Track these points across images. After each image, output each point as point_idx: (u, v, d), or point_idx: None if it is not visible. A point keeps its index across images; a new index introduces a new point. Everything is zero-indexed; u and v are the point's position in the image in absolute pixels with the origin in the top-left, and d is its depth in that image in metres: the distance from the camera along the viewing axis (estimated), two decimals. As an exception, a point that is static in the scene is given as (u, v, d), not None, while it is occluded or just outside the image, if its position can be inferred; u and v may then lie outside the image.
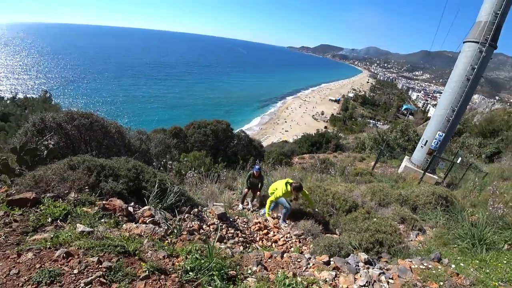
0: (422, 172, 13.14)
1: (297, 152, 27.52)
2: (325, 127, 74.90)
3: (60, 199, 3.60)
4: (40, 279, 1.87)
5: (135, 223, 3.36)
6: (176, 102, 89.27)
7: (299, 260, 3.42)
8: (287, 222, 6.42)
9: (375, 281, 3.26)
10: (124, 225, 3.15)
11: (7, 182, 5.53)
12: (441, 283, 3.59)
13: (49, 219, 3.03)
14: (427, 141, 13.89)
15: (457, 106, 12.67)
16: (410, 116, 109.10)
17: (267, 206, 6.20)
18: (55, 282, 1.89)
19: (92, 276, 2.00)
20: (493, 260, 4.77)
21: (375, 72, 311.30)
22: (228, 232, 4.56)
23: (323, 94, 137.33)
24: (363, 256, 4.11)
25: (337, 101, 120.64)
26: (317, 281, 2.85)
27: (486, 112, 34.16)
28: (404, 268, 4.00)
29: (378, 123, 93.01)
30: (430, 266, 4.19)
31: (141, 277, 2.13)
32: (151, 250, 2.54)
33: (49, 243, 2.27)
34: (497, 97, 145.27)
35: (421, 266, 4.16)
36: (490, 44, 11.61)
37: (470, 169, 13.23)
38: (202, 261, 2.38)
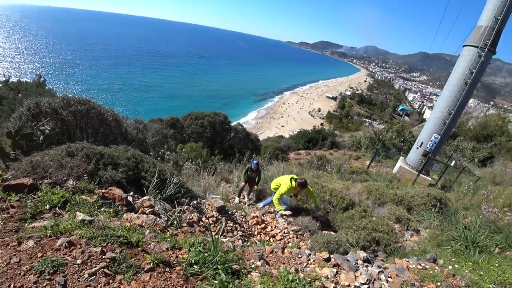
0: (417, 173, 13.26)
1: (293, 147, 27.57)
2: (321, 124, 75.07)
3: (58, 186, 3.52)
4: (43, 269, 1.81)
5: (135, 213, 3.30)
6: (173, 92, 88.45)
7: (299, 256, 3.41)
8: (284, 217, 6.42)
9: (375, 279, 3.28)
10: (124, 215, 3.09)
11: (1, 166, 5.42)
12: (438, 284, 3.64)
13: (47, 206, 2.95)
14: (422, 142, 13.99)
15: (454, 110, 12.75)
16: (406, 117, 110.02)
17: (276, 204, 5.99)
18: (58, 272, 1.83)
19: (96, 267, 1.95)
20: (485, 262, 4.85)
21: (373, 71, 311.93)
22: (227, 225, 4.54)
23: (320, 90, 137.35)
24: (362, 254, 4.13)
25: (334, 98, 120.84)
26: (319, 277, 2.84)
27: (481, 117, 34.51)
28: (401, 267, 4.03)
29: (374, 122, 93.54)
30: (427, 266, 4.23)
31: (145, 269, 2.09)
32: (153, 242, 2.50)
33: (49, 231, 2.20)
34: (492, 102, 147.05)
35: (418, 266, 4.20)
36: (489, 49, 11.66)
37: (463, 173, 13.40)
38: (206, 254, 2.34)
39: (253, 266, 2.65)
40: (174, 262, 2.31)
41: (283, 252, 3.40)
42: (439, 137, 13.38)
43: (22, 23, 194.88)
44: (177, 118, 17.05)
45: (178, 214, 3.55)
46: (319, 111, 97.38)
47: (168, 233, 3.03)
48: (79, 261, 1.97)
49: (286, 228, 5.72)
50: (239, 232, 4.45)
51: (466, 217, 7.16)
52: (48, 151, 4.17)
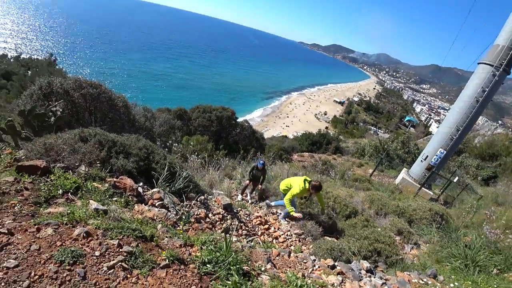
0: (419, 186, 13.22)
1: (297, 149, 27.52)
2: (326, 128, 74.82)
3: (70, 171, 3.53)
4: (63, 259, 1.82)
5: (145, 205, 3.31)
6: (181, 83, 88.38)
7: (305, 261, 3.43)
8: (287, 220, 6.41)
9: (378, 292, 3.28)
10: (136, 206, 3.10)
11: (10, 144, 5.46)
12: (439, 301, 3.63)
13: (60, 191, 2.97)
14: (427, 156, 13.92)
15: (462, 126, 12.68)
16: (412, 128, 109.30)
17: (287, 205, 5.77)
18: (77, 263, 1.84)
19: (114, 260, 1.95)
20: (484, 283, 4.85)
21: (383, 79, 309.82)
22: (232, 223, 4.55)
23: (328, 94, 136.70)
24: (365, 264, 4.14)
25: (341, 103, 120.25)
26: (326, 284, 2.86)
27: (488, 135, 34.21)
28: (403, 280, 4.04)
29: (379, 130, 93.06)
30: (428, 282, 4.23)
31: (161, 265, 2.10)
32: (166, 237, 2.51)
33: (65, 219, 2.21)
34: (500, 121, 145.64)
35: (420, 281, 4.21)
36: (504, 69, 11.56)
37: (466, 190, 13.33)
38: (218, 254, 2.35)
39: (262, 268, 2.66)
40: (188, 259, 2.32)
41: (289, 256, 3.42)
42: (445, 152, 13.31)
43: (38, 1, 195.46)
44: (184, 110, 17.05)
45: (187, 209, 3.56)
46: (325, 114, 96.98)
47: (178, 228, 3.04)
48: (97, 253, 1.98)
49: (289, 230, 5.72)
50: (243, 231, 4.45)
51: (466, 235, 7.15)
52: (62, 135, 4.18)
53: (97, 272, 1.87)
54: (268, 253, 3.21)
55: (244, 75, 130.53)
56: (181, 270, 2.16)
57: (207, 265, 2.30)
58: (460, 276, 5.26)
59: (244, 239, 4.30)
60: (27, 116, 5.63)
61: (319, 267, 3.43)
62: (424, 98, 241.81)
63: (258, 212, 6.22)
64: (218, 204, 4.72)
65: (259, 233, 5.22)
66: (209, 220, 4.03)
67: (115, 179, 3.46)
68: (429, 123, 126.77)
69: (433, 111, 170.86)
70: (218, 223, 4.19)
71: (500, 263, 5.68)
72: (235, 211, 5.11)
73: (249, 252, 3.01)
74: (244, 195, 7.75)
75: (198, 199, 4.31)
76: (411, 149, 24.55)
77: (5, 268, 1.65)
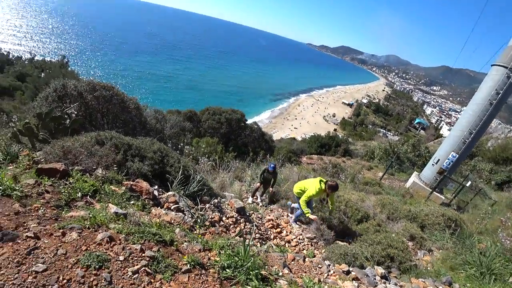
0: (430, 190, 13.00)
1: (306, 151, 27.43)
2: (335, 130, 74.38)
3: (88, 174, 3.60)
4: (89, 263, 1.85)
5: (161, 208, 3.35)
6: (190, 84, 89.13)
7: (320, 266, 3.42)
8: (298, 223, 6.39)
9: (394, 299, 3.24)
10: (153, 210, 3.13)
11: (27, 145, 5.59)
12: (457, 309, 3.57)
13: (79, 194, 3.02)
14: (439, 159, 13.69)
15: (476, 129, 12.44)
16: (422, 131, 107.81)
17: (303, 207, 5.61)
18: (103, 268, 1.87)
19: (137, 265, 1.98)
20: (500, 291, 4.74)
21: (392, 81, 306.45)
22: (246, 227, 4.55)
23: (337, 96, 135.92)
24: (380, 270, 4.10)
25: (350, 105, 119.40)
26: (342, 290, 2.84)
27: (502, 138, 33.49)
28: (418, 287, 3.98)
29: (389, 133, 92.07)
30: (444, 290, 4.15)
31: (183, 270, 2.12)
32: (185, 241, 2.53)
33: (87, 223, 2.26)
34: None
35: (435, 289, 4.13)
36: (519, 71, 11.31)
37: (479, 195, 13.06)
38: (237, 258, 2.36)
39: (279, 273, 2.67)
40: (208, 264, 2.34)
41: (304, 260, 3.41)
42: (457, 156, 13.07)
43: (52, 4, 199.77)
44: (194, 112, 17.19)
45: (201, 213, 3.58)
46: (334, 116, 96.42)
47: (195, 232, 3.07)
48: (121, 258, 2.00)
49: (301, 234, 5.70)
50: (256, 234, 4.46)
51: (481, 242, 7.00)
52: (79, 138, 4.26)
53: (122, 277, 1.89)
54: (284, 258, 3.21)
55: (252, 76, 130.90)
56: (202, 275, 2.17)
57: (227, 269, 2.31)
58: (476, 284, 5.16)
59: (258, 243, 4.30)
60: (44, 118, 5.74)
61: (334, 272, 3.41)
62: (435, 100, 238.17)
63: (269, 216, 6.22)
64: (231, 208, 4.74)
65: (272, 236, 5.21)
66: (223, 223, 4.05)
67: (131, 182, 3.51)
68: (440, 125, 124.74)
69: (444, 113, 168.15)
70: (232, 226, 4.20)
71: (516, 271, 5.54)
72: (247, 214, 5.12)
73: (265, 256, 3.01)
74: (254, 197, 7.75)
75: (212, 202, 4.34)
76: (422, 152, 24.20)
77: (34, 272, 1.69)
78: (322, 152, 29.30)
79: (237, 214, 4.61)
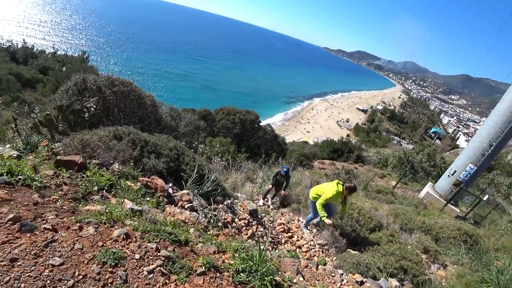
0: (444, 202, 12.61)
1: (318, 156, 27.17)
2: (348, 135, 73.46)
3: (104, 168, 3.62)
4: (105, 260, 1.83)
5: (175, 206, 3.33)
6: (206, 84, 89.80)
7: (333, 274, 3.33)
8: (308, 228, 6.28)
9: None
10: (167, 208, 3.12)
11: (47, 136, 5.70)
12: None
13: (96, 187, 3.03)
14: (455, 171, 13.25)
15: (496, 142, 11.97)
16: (438, 141, 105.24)
17: (319, 210, 5.44)
18: (119, 266, 1.85)
19: (153, 264, 1.95)
20: (517, 312, 4.52)
21: (409, 88, 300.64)
22: (257, 229, 4.49)
23: (351, 101, 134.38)
24: (394, 283, 3.97)
25: (364, 111, 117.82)
26: (357, 303, 2.74)
27: (522, 152, 32.35)
28: (434, 304, 3.82)
29: (403, 141, 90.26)
30: (462, 308, 3.98)
31: (198, 272, 2.09)
32: (200, 242, 2.50)
33: (104, 218, 2.25)
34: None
35: (452, 307, 3.96)
36: (545, 82, 10.83)
37: (496, 209, 12.59)
38: (251, 262, 2.31)
39: (294, 280, 2.60)
40: (222, 267, 2.30)
41: (317, 268, 3.33)
42: (475, 168, 12.62)
43: (75, 0, 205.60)
44: (209, 111, 17.25)
45: (215, 213, 3.54)
46: (347, 121, 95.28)
47: (209, 233, 3.03)
48: (137, 256, 1.98)
49: (312, 240, 5.59)
50: (268, 238, 4.39)
51: (498, 259, 6.71)
52: (97, 131, 4.30)
53: (138, 276, 1.86)
54: (297, 264, 3.13)
55: (267, 78, 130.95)
56: (217, 278, 2.13)
57: (241, 274, 2.26)
58: (493, 304, 4.93)
59: (270, 247, 4.23)
60: (65, 111, 5.86)
61: (347, 282, 3.31)
62: (453, 109, 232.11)
63: (281, 219, 6.14)
64: (244, 209, 4.69)
65: (283, 241, 5.13)
66: (235, 225, 4.00)
67: (147, 179, 3.50)
68: (457, 136, 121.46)
69: (462, 124, 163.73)
70: (244, 228, 4.15)
71: (535, 292, 5.28)
72: (259, 217, 5.05)
73: (278, 261, 2.95)
74: (265, 200, 7.69)
75: (225, 203, 4.30)
76: (437, 162, 23.58)
77: (50, 266, 1.68)
78: (335, 157, 28.97)
79: (249, 216, 4.55)
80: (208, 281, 2.06)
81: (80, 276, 1.69)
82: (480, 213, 12.96)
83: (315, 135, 68.21)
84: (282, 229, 5.54)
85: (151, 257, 2.03)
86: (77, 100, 7.95)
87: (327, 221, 5.39)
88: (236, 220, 4.21)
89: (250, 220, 4.49)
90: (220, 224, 3.50)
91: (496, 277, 5.47)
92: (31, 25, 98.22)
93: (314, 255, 5.18)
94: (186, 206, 3.43)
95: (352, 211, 7.14)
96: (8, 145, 4.55)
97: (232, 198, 4.89)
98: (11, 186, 2.40)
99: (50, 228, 1.93)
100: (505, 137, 11.97)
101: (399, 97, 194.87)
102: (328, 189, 5.49)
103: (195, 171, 4.09)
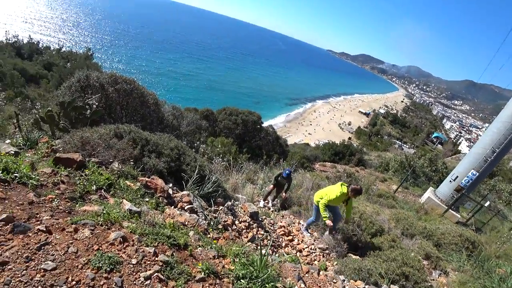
0: (445, 207, 12.50)
1: (320, 158, 27.07)
2: (349, 138, 73.28)
3: (104, 167, 3.55)
4: (100, 265, 1.75)
5: (174, 207, 3.25)
6: (209, 84, 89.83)
7: (334, 281, 3.26)
8: (309, 231, 6.19)
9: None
10: (167, 209, 3.04)
11: (48, 132, 5.65)
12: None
13: (94, 187, 2.96)
14: (457, 176, 13.13)
15: (499, 148, 11.89)
16: (439, 146, 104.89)
17: (322, 210, 5.30)
18: (114, 271, 1.77)
19: (150, 270, 1.87)
20: (519, 320, 4.44)
21: (412, 92, 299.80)
22: (258, 232, 4.41)
23: (354, 104, 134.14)
24: (397, 291, 3.87)
25: (366, 114, 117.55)
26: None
27: (525, 159, 32.20)
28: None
29: (404, 145, 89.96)
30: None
31: (197, 278, 2.01)
32: (199, 246, 2.42)
33: (100, 219, 2.17)
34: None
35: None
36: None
37: (497, 216, 12.50)
38: (252, 268, 2.23)
39: (295, 287, 2.51)
40: (222, 273, 2.22)
41: (318, 273, 3.25)
42: (477, 174, 12.51)
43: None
44: (211, 111, 17.20)
45: (215, 215, 3.46)
46: (349, 124, 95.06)
47: (209, 236, 2.95)
48: (134, 261, 1.90)
49: (313, 244, 5.51)
50: (268, 241, 4.30)
51: (500, 267, 6.62)
52: (98, 129, 4.24)
53: (134, 282, 1.78)
54: (298, 269, 3.05)
55: (270, 80, 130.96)
56: (216, 285, 2.05)
57: (241, 280, 2.19)
58: (495, 312, 4.86)
59: (270, 251, 4.14)
60: (66, 107, 5.80)
61: (349, 288, 3.23)
62: (455, 115, 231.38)
63: (281, 222, 6.06)
64: (244, 211, 4.61)
65: (283, 244, 5.04)
66: (235, 227, 3.92)
67: (146, 179, 3.43)
68: (459, 141, 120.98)
69: (464, 129, 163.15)
70: (244, 231, 4.07)
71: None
72: (260, 219, 4.97)
73: (279, 267, 2.86)
74: (266, 201, 7.62)
75: (226, 205, 4.22)
76: (439, 167, 23.46)
77: (42, 270, 1.60)
78: (336, 160, 28.85)
79: (250, 219, 4.47)
80: (208, 287, 1.97)
81: (74, 282, 1.61)
82: (481, 220, 12.88)
83: (316, 137, 68.05)
84: (282, 232, 5.45)
85: (148, 262, 1.95)
86: (79, 97, 7.92)
87: (328, 222, 5.31)
88: (237, 222, 4.12)
89: (251, 222, 4.41)
90: (220, 226, 3.42)
91: (498, 285, 5.41)
92: (37, 21, 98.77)
93: (315, 259, 5.10)
94: (186, 208, 3.35)
95: (353, 215, 7.05)
96: (8, 141, 4.50)
97: (232, 200, 4.81)
98: (6, 184, 2.33)
99: (44, 229, 1.85)
100: (508, 144, 11.89)
101: (402, 101, 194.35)
102: (332, 191, 5.38)
103: (196, 171, 4.01)
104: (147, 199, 3.11)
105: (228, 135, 15.91)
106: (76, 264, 1.73)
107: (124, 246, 1.98)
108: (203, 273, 2.09)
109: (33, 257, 1.67)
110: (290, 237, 5.47)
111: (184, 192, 3.70)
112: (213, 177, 4.23)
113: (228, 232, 3.32)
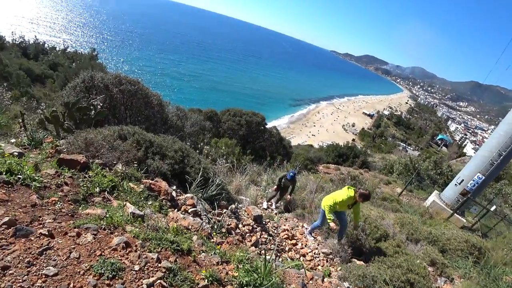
0: (451, 211, 12.34)
1: (323, 160, 26.94)
2: (353, 140, 73.03)
3: (108, 168, 3.53)
4: (102, 271, 1.72)
5: (178, 210, 3.22)
6: (213, 85, 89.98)
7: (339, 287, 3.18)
8: (313, 235, 6.13)
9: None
10: (170, 213, 3.01)
11: (52, 132, 5.66)
12: None
13: (97, 189, 2.94)
14: (463, 180, 12.96)
15: (506, 151, 11.71)
16: (444, 148, 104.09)
17: (327, 211, 5.24)
18: (117, 278, 1.74)
19: (153, 277, 1.84)
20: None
21: (417, 94, 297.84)
22: (261, 236, 4.37)
23: (357, 105, 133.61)
24: (402, 299, 3.80)
25: (370, 115, 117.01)
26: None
27: (533, 162, 31.75)
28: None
29: (409, 147, 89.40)
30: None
31: (200, 286, 1.97)
32: (203, 251, 2.38)
33: (103, 223, 2.14)
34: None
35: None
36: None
37: (504, 221, 12.31)
38: (256, 275, 2.19)
39: (299, 294, 2.47)
40: (225, 279, 2.18)
41: (322, 280, 3.20)
42: (483, 177, 12.34)
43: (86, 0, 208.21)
44: (215, 112, 17.19)
45: (218, 219, 3.43)
46: (353, 126, 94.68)
47: (212, 240, 2.91)
48: (136, 267, 1.87)
49: (317, 248, 5.45)
50: (272, 245, 4.26)
51: (507, 275, 6.50)
52: (102, 130, 4.22)
53: (136, 289, 1.75)
54: (302, 276, 3.00)
55: (274, 81, 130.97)
56: (220, 293, 2.01)
57: (245, 287, 2.13)
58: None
59: (274, 255, 4.10)
60: (71, 108, 5.81)
61: (354, 297, 3.17)
62: (460, 117, 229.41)
63: (285, 225, 6.01)
64: (248, 215, 4.57)
65: (287, 248, 4.99)
66: (239, 231, 3.88)
67: (150, 181, 3.40)
68: (464, 143, 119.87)
69: (470, 131, 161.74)
70: (247, 235, 4.02)
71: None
72: (263, 223, 4.93)
73: (283, 273, 2.82)
74: (269, 203, 7.57)
75: (229, 208, 4.18)
76: (444, 170, 23.22)
77: (44, 276, 1.58)
78: (340, 162, 28.68)
79: (253, 222, 4.43)
80: (211, 295, 1.94)
81: (75, 289, 1.59)
82: (487, 224, 12.68)
83: (320, 139, 67.86)
84: (286, 236, 5.40)
85: (151, 269, 1.92)
86: (84, 97, 7.94)
87: (332, 224, 5.24)
88: (240, 226, 4.08)
89: (255, 226, 4.37)
90: (223, 230, 3.38)
91: (505, 293, 5.30)
92: (43, 22, 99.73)
93: (318, 264, 5.04)
94: (189, 211, 3.32)
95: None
96: (13, 140, 4.51)
97: (236, 203, 4.77)
98: (9, 186, 2.31)
99: (47, 233, 1.83)
100: (515, 148, 11.73)
101: (406, 103, 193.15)
102: (339, 194, 5.31)
103: (200, 174, 3.98)
104: (150, 202, 3.08)
105: (232, 136, 15.88)
106: (78, 270, 1.70)
107: (127, 251, 1.95)
108: (206, 280, 2.05)
109: (34, 262, 1.65)
110: (293, 241, 5.41)
111: (188, 195, 3.67)
112: (217, 179, 4.19)
113: (231, 237, 3.28)
